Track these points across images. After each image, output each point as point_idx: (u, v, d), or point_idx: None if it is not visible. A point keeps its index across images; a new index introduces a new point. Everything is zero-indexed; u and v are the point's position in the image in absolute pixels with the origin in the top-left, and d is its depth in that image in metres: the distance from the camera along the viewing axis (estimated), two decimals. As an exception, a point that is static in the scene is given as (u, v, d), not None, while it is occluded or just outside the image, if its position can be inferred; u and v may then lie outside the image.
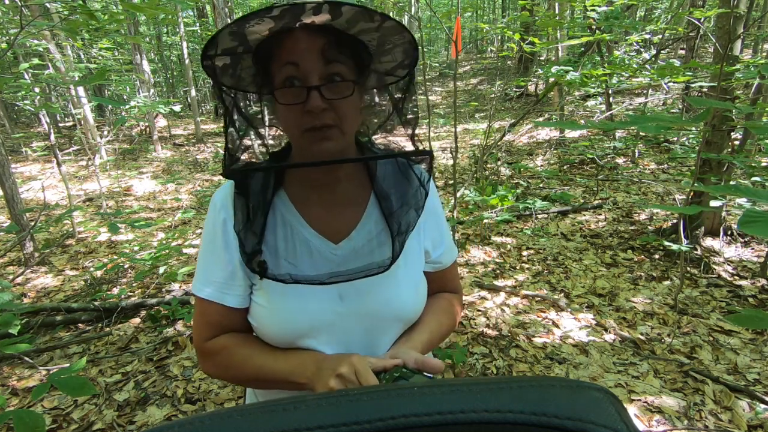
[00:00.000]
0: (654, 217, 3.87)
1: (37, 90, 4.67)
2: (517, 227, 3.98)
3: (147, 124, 9.20)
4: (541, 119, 7.90)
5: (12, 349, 1.52)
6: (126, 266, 3.57)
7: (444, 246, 0.82)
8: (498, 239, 3.74)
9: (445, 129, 8.80)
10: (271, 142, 0.75)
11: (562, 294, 2.87)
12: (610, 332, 2.45)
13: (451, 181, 5.15)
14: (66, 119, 12.21)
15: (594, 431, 0.21)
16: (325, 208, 0.73)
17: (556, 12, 6.42)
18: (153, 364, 2.41)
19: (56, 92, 9.98)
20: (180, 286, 3.24)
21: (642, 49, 6.21)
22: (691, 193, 2.73)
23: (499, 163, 5.76)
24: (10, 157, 4.25)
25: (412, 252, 0.76)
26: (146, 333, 2.70)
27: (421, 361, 0.65)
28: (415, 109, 0.75)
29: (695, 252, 3.13)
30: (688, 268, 3.01)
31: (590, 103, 7.68)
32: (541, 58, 11.13)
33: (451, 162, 5.66)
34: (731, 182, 3.26)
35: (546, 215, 4.15)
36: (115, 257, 3.69)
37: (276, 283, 0.68)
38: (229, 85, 0.70)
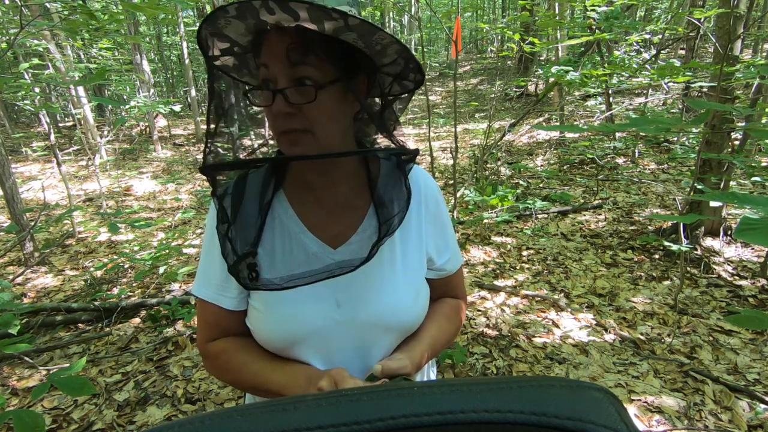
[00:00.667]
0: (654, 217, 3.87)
1: (37, 90, 4.67)
2: (517, 227, 3.98)
3: (147, 124, 9.20)
4: (541, 119, 7.91)
5: (12, 349, 1.52)
6: (126, 266, 3.57)
7: (449, 253, 0.80)
8: (498, 239, 3.74)
9: (445, 129, 8.80)
10: (262, 141, 0.74)
11: (562, 294, 2.87)
12: (610, 332, 2.45)
13: (451, 181, 5.15)
14: (66, 119, 12.21)
15: (594, 431, 0.21)
16: (324, 212, 0.72)
17: (556, 12, 6.42)
18: (153, 364, 2.41)
19: (56, 92, 9.98)
20: (180, 286, 3.24)
21: (642, 49, 6.21)
22: (691, 192, 2.73)
23: (499, 163, 5.76)
24: (10, 157, 4.25)
25: (413, 259, 0.75)
26: (146, 333, 2.70)
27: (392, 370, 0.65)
28: (402, 108, 0.74)
29: (695, 252, 3.13)
30: (688, 268, 3.01)
31: (590, 103, 7.68)
32: (541, 58, 11.14)
33: (451, 162, 5.66)
34: (731, 182, 3.26)
35: (546, 215, 4.15)
36: (115, 257, 3.69)
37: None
38: (227, 82, 0.69)
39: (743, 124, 2.99)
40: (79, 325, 2.82)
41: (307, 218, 0.72)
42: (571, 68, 3.65)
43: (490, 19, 19.81)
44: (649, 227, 3.67)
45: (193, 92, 9.70)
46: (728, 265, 3.04)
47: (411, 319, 0.73)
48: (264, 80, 0.61)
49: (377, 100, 0.72)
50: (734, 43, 2.79)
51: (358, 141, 0.74)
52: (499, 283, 3.03)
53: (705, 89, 3.66)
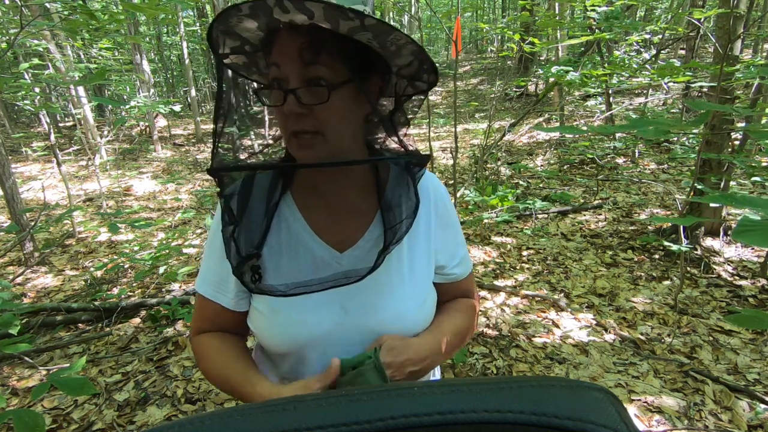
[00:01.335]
0: (654, 216, 3.87)
1: (37, 90, 4.68)
2: (517, 227, 3.98)
3: (147, 124, 9.20)
4: (541, 119, 7.91)
5: (12, 349, 1.52)
6: (126, 266, 3.57)
7: (459, 258, 0.79)
8: (498, 239, 3.74)
9: (445, 129, 8.80)
10: (270, 142, 0.73)
11: (562, 294, 2.87)
12: (610, 332, 2.45)
13: (451, 181, 5.15)
14: (66, 119, 12.21)
15: (594, 431, 0.21)
16: (331, 216, 0.71)
17: (556, 12, 6.42)
18: (153, 364, 2.41)
19: (56, 92, 9.98)
20: (180, 286, 3.24)
21: (642, 49, 6.21)
22: (691, 193, 2.73)
23: (499, 163, 5.76)
24: (10, 157, 4.25)
25: (420, 265, 0.74)
26: (146, 333, 2.70)
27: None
28: (416, 109, 0.73)
29: (695, 252, 3.13)
30: (688, 268, 3.01)
31: (590, 103, 7.68)
32: (541, 58, 11.14)
33: (451, 162, 5.66)
34: (731, 182, 3.26)
35: (546, 215, 4.15)
36: (115, 257, 3.69)
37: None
38: (240, 80, 0.68)
39: (743, 124, 2.99)
40: (79, 325, 2.82)
41: (314, 222, 0.71)
42: (571, 68, 3.65)
43: (490, 19, 19.81)
44: (649, 227, 3.67)
45: (193, 92, 9.70)
46: (728, 265, 3.04)
47: (416, 326, 0.72)
48: (275, 79, 0.59)
49: (388, 101, 0.71)
50: (734, 43, 2.79)
51: (367, 143, 0.73)
52: (499, 283, 3.03)
53: (705, 89, 3.67)
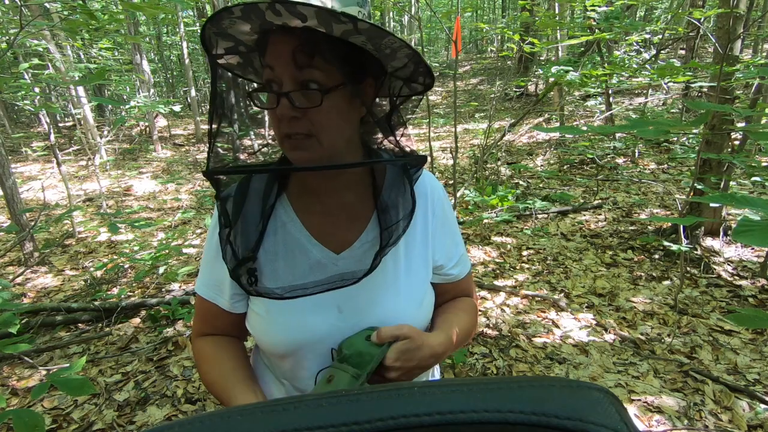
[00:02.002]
0: (654, 216, 3.87)
1: (37, 90, 4.67)
2: (517, 227, 3.98)
3: (147, 124, 9.20)
4: (541, 119, 7.91)
5: (12, 349, 1.52)
6: (126, 266, 3.57)
7: (457, 258, 0.79)
8: (498, 239, 3.74)
9: (445, 129, 8.80)
10: (269, 142, 0.73)
11: (562, 294, 2.87)
12: (610, 332, 2.45)
13: (451, 181, 5.15)
14: (66, 119, 12.21)
15: (594, 431, 0.21)
16: (327, 217, 0.71)
17: (556, 12, 6.42)
18: (153, 364, 2.41)
19: (56, 92, 9.98)
20: (180, 286, 3.24)
21: (642, 49, 6.21)
22: (691, 193, 2.73)
23: (499, 163, 5.76)
24: (10, 157, 4.25)
25: (417, 266, 0.73)
26: (146, 333, 2.70)
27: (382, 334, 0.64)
28: (414, 110, 0.73)
29: (695, 252, 3.13)
30: (688, 268, 3.01)
31: (590, 102, 7.67)
32: (541, 58, 11.13)
33: (451, 162, 5.66)
34: (731, 182, 3.26)
35: (546, 215, 4.15)
36: (115, 257, 3.69)
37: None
38: (234, 80, 0.69)
39: (743, 124, 2.99)
40: (79, 325, 2.82)
41: (310, 223, 0.71)
42: (571, 68, 3.65)
43: (490, 19, 19.81)
44: (649, 227, 3.67)
45: (193, 92, 9.70)
46: (728, 265, 3.04)
47: (414, 326, 0.72)
48: (268, 81, 0.59)
49: (384, 103, 0.70)
50: (734, 43, 2.79)
51: (363, 144, 0.72)
52: (499, 283, 3.03)
53: (705, 89, 3.66)
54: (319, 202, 0.71)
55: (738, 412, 1.87)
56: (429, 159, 5.05)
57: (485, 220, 3.87)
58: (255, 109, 0.70)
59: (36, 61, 4.40)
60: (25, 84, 4.02)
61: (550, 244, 3.59)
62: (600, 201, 4.37)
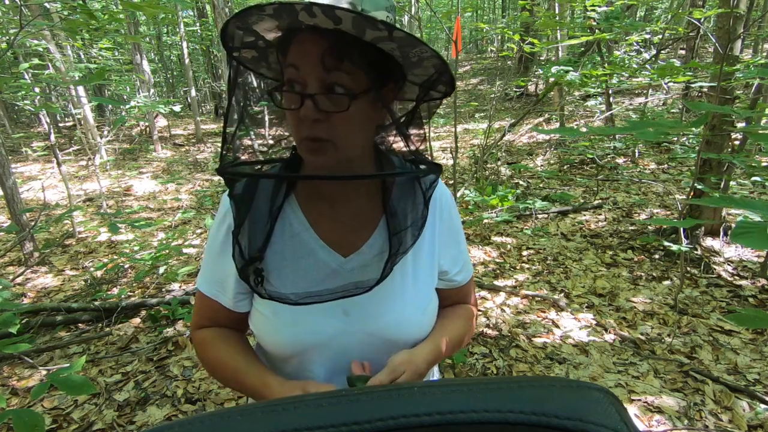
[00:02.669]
0: (654, 217, 3.87)
1: (37, 90, 4.68)
2: (517, 227, 3.98)
3: (147, 124, 9.20)
4: (541, 119, 7.91)
5: (12, 349, 1.52)
6: (126, 266, 3.57)
7: (461, 263, 0.79)
8: (498, 239, 3.74)
9: (445, 129, 8.80)
10: (271, 142, 0.72)
11: (562, 294, 2.87)
12: (610, 332, 2.45)
13: (451, 181, 5.15)
14: (66, 119, 12.21)
15: (594, 431, 0.21)
16: (336, 220, 0.71)
17: (556, 12, 6.41)
18: (153, 364, 2.41)
19: (56, 92, 9.98)
20: (180, 286, 3.24)
21: (642, 49, 6.21)
22: (691, 193, 2.73)
23: (499, 163, 5.76)
24: (10, 157, 4.25)
25: (424, 272, 0.73)
26: (146, 333, 2.70)
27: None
28: (433, 114, 0.72)
29: (695, 252, 3.13)
30: (688, 268, 3.01)
31: (590, 103, 7.67)
32: (541, 58, 11.13)
33: (451, 162, 5.66)
34: (731, 182, 3.26)
35: (546, 215, 4.15)
36: (115, 257, 3.69)
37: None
38: (251, 75, 0.67)
39: (743, 124, 2.99)
40: (79, 325, 2.82)
41: (318, 225, 0.70)
42: (571, 68, 3.65)
43: (490, 19, 19.81)
44: (649, 227, 3.67)
45: (193, 92, 9.70)
46: (728, 265, 3.04)
47: (418, 333, 0.72)
48: (290, 81, 0.58)
49: (401, 107, 0.70)
50: (734, 43, 2.79)
51: (375, 146, 0.72)
52: (499, 283, 3.03)
53: (705, 89, 3.66)
54: (327, 204, 0.71)
55: (738, 412, 1.87)
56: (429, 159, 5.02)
57: (485, 220, 3.87)
58: (272, 107, 0.68)
59: (36, 61, 4.40)
60: (25, 84, 4.02)
61: (550, 244, 3.59)
62: (600, 201, 4.37)
